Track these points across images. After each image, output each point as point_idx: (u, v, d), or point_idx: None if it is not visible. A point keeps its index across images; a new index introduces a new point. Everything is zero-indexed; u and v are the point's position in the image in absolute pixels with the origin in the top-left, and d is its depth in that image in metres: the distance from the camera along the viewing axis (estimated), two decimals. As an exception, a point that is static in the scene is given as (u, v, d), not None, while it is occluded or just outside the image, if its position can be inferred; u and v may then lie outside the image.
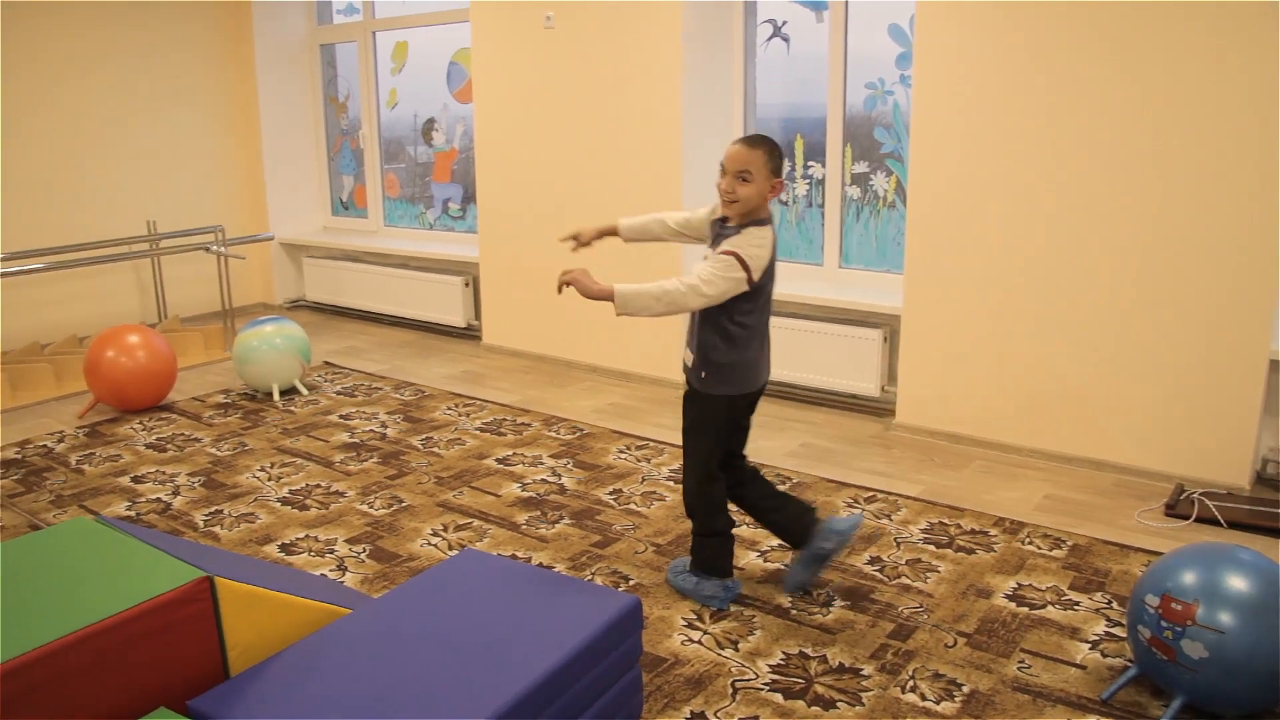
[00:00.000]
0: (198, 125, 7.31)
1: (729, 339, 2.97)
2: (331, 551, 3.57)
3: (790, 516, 3.19)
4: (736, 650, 2.91)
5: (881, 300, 4.89)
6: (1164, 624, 2.47)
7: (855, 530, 3.19)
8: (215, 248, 6.38)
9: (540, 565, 3.41)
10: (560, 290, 2.88)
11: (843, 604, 3.16)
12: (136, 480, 4.33)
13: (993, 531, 3.66)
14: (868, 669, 2.81)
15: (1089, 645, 2.91)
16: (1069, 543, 3.56)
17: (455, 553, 3.49)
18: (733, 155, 2.87)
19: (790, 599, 3.20)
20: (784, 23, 5.24)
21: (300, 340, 5.51)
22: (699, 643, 2.95)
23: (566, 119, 5.66)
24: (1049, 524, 3.72)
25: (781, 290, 5.04)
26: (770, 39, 5.30)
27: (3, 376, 5.53)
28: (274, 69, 7.50)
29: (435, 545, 3.60)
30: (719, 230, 3.02)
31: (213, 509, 3.99)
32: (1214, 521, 3.70)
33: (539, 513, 3.88)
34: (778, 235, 3.03)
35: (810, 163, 5.30)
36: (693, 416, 3.12)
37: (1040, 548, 3.52)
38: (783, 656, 2.88)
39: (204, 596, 2.29)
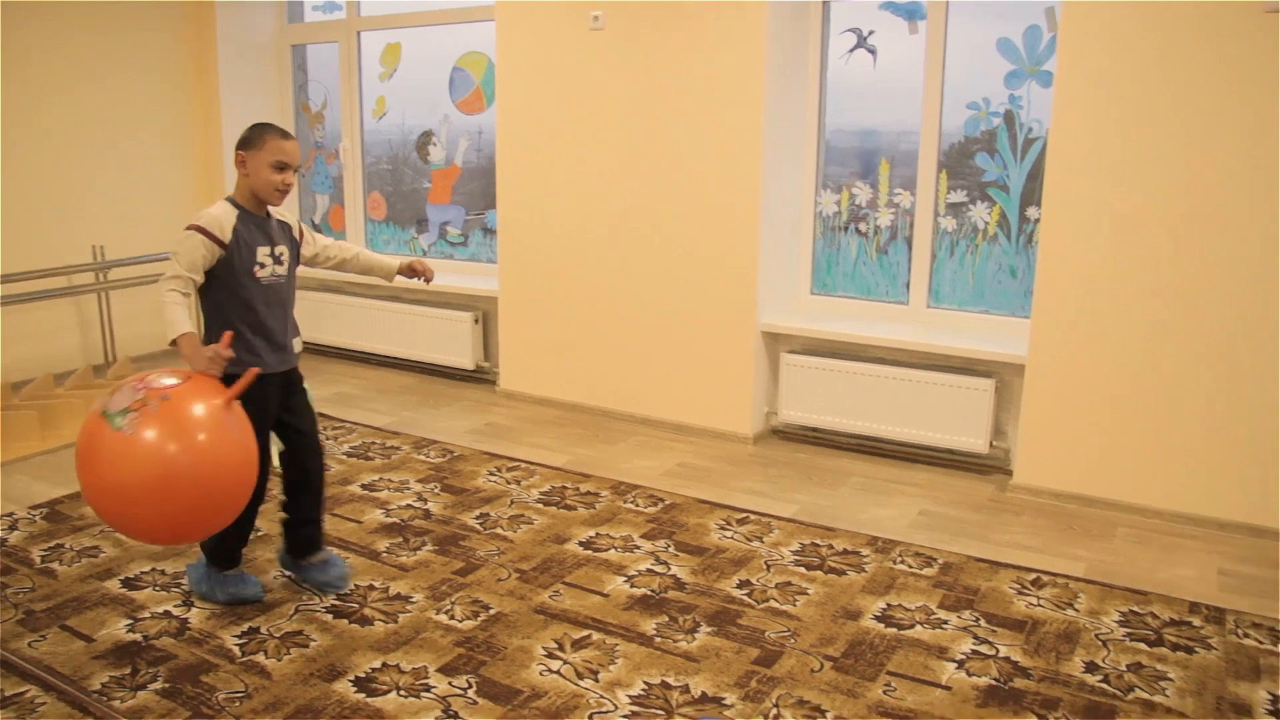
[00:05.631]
0: (151, 139, 6.36)
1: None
2: (427, 689, 2.75)
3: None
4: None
5: (982, 344, 4.33)
6: None
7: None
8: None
9: (704, 695, 2.69)
10: None
11: None
12: (129, 584, 3.37)
13: (1195, 621, 3.11)
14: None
15: None
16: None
17: (577, 679, 2.74)
18: (296, 150, 2.97)
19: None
20: (870, 32, 4.61)
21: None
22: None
23: (613, 135, 4.92)
24: (1247, 608, 3.20)
25: (864, 333, 4.48)
26: (853, 50, 4.67)
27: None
28: (239, 76, 6.57)
29: (560, 674, 2.82)
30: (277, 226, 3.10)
31: (245, 627, 3.07)
32: None
33: (666, 618, 3.14)
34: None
35: (898, 190, 4.68)
36: (305, 396, 3.26)
37: (1261, 641, 2.99)
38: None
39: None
